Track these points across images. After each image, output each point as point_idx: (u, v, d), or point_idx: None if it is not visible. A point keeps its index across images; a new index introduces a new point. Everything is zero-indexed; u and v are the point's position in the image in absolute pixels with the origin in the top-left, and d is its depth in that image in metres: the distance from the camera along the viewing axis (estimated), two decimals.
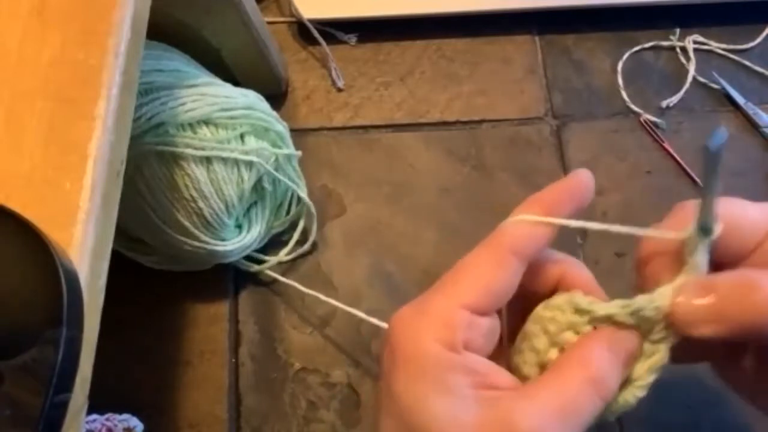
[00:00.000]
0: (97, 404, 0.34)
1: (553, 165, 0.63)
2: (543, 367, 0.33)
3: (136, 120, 0.48)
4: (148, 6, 0.37)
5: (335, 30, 0.68)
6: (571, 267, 0.35)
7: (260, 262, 0.59)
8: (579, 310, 0.32)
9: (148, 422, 0.51)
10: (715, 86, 0.67)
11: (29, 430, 0.25)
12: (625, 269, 0.60)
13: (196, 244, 0.53)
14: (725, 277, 0.30)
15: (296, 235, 0.58)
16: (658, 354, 0.32)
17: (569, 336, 0.32)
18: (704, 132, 0.65)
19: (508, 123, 0.66)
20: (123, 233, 0.56)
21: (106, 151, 0.31)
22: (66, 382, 0.26)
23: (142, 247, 0.56)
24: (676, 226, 0.31)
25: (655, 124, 0.65)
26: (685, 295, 0.30)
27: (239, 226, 0.56)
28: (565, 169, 0.63)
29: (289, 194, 0.59)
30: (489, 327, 0.32)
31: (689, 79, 0.67)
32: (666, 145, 0.64)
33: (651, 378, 0.32)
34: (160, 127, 0.50)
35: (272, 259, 0.58)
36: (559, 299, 0.33)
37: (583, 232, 0.60)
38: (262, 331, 0.57)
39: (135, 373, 0.56)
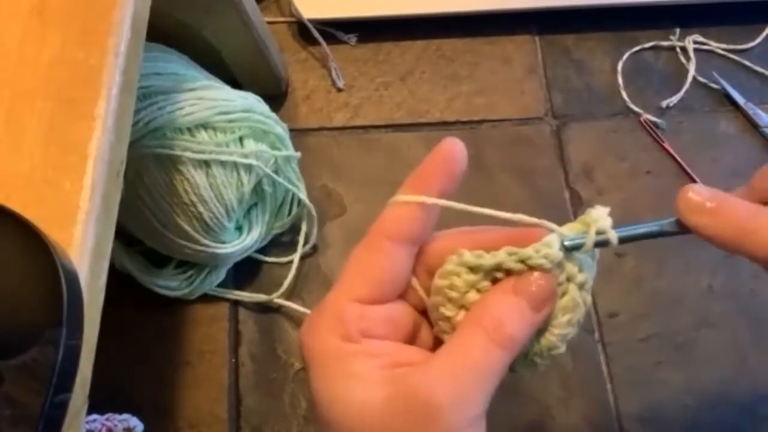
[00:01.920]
0: (97, 404, 0.34)
1: (553, 165, 0.63)
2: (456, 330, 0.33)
3: (134, 125, 0.48)
4: (148, 6, 0.37)
5: (335, 30, 0.68)
6: (459, 234, 0.35)
7: (261, 263, 0.59)
8: (471, 268, 0.32)
9: (148, 422, 0.51)
10: (715, 86, 0.67)
11: (29, 430, 0.25)
12: (625, 269, 0.60)
13: (197, 247, 0.53)
14: (736, 203, 0.31)
15: (299, 239, 0.58)
16: (568, 294, 0.32)
17: (473, 296, 0.32)
18: (704, 132, 0.65)
19: (508, 123, 0.66)
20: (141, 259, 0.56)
21: (106, 151, 0.31)
22: (66, 382, 0.26)
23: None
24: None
25: (655, 124, 0.65)
26: (697, 193, 0.31)
27: (239, 228, 0.56)
28: (565, 169, 0.63)
29: (290, 195, 0.59)
30: (387, 314, 0.32)
31: (689, 79, 0.67)
32: (666, 145, 0.64)
33: (565, 318, 0.32)
34: (159, 132, 0.50)
35: (274, 295, 0.57)
36: (449, 265, 0.33)
37: None
38: (262, 331, 0.57)
39: (135, 373, 0.56)
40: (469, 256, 0.32)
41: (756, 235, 0.29)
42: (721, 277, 0.60)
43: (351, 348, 0.31)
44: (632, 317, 0.58)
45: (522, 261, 0.31)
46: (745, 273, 0.59)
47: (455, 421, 0.29)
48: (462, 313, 0.32)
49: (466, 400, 0.29)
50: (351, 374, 0.30)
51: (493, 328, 0.30)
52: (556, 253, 0.31)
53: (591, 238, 0.31)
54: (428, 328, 0.34)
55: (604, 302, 0.58)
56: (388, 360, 0.31)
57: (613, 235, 0.31)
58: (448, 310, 0.33)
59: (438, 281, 0.33)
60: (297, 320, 0.58)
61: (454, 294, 0.32)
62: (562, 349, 0.33)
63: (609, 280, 0.59)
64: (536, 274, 0.31)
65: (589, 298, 0.33)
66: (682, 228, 0.31)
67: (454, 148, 0.34)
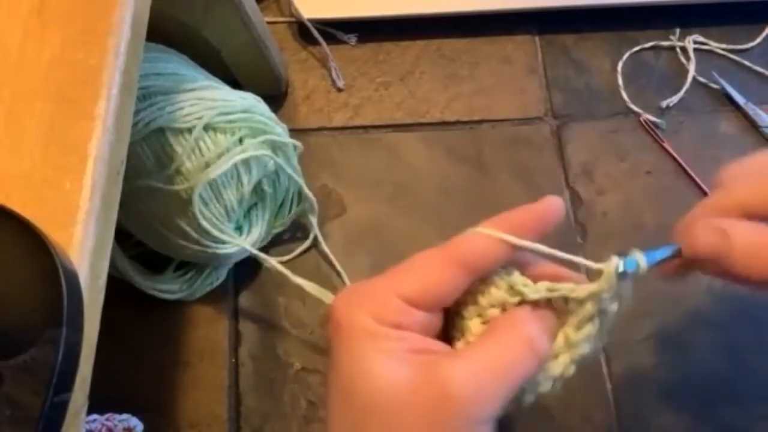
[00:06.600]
0: (97, 404, 0.34)
1: (553, 165, 0.63)
2: (463, 333, 0.35)
3: (134, 125, 0.48)
4: (148, 6, 0.37)
5: (335, 30, 0.68)
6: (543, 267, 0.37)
7: (261, 263, 0.59)
8: (513, 290, 0.34)
9: (148, 422, 0.51)
10: (715, 86, 0.67)
11: (29, 430, 0.25)
12: None
13: (197, 247, 0.53)
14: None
15: (314, 231, 0.59)
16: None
17: (495, 312, 0.34)
18: (704, 132, 0.65)
19: (508, 123, 0.66)
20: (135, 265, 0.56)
21: (106, 151, 0.31)
22: (66, 382, 0.26)
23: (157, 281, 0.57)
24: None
25: (655, 124, 0.65)
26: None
27: (239, 228, 0.56)
28: (565, 169, 0.63)
29: (290, 195, 0.59)
30: (425, 321, 0.34)
31: (689, 79, 0.67)
32: (666, 145, 0.64)
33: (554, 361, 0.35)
34: (159, 132, 0.50)
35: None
36: (497, 277, 0.35)
37: (584, 232, 0.61)
38: (262, 331, 0.57)
39: (135, 373, 0.56)
40: (517, 280, 0.35)
41: None
42: None
43: (384, 330, 0.32)
44: (632, 317, 0.58)
45: (559, 299, 0.34)
46: None
47: (472, 415, 0.30)
48: (476, 321, 0.35)
49: (487, 398, 0.31)
50: (381, 350, 0.32)
51: (531, 338, 0.33)
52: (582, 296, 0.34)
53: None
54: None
55: None
56: (414, 346, 0.32)
57: (643, 261, 0.35)
58: (467, 311, 0.35)
59: (478, 283, 0.35)
60: (297, 320, 0.57)
61: (482, 301, 0.35)
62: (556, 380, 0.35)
63: None
64: (546, 311, 0.35)
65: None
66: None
67: (557, 207, 0.35)
